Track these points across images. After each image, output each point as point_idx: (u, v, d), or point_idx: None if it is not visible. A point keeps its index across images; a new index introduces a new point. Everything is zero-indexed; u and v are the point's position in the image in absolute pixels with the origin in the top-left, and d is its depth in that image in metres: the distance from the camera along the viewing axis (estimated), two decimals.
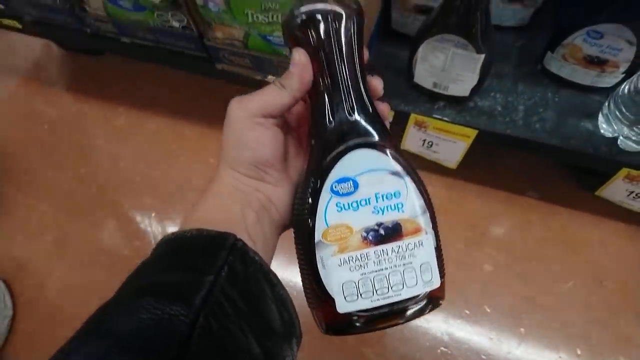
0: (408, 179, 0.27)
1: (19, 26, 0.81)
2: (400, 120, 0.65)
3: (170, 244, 0.26)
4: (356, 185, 0.27)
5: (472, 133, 0.63)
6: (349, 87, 0.28)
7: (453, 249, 0.71)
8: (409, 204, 0.27)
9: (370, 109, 0.28)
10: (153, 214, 0.79)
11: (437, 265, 0.28)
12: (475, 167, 0.71)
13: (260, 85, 0.68)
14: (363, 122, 0.28)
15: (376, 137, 0.27)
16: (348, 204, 0.27)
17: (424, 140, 0.69)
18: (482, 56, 0.54)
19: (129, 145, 0.87)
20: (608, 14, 0.52)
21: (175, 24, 0.66)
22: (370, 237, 0.27)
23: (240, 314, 0.23)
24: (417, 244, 0.27)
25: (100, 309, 0.22)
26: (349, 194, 0.27)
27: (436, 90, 0.62)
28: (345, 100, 0.28)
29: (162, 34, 0.69)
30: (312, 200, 0.27)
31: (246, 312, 0.23)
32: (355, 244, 0.27)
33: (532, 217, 0.73)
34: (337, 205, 0.27)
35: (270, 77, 0.67)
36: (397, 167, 0.27)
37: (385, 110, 0.30)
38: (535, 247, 0.71)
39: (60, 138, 0.90)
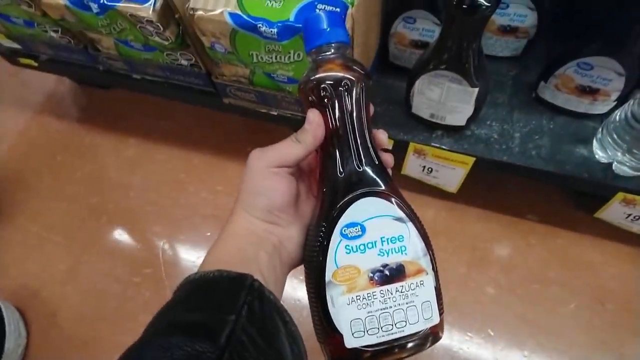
0: (410, 225, 0.30)
1: (35, 64, 0.85)
2: (400, 148, 0.68)
3: (194, 283, 0.29)
4: (364, 230, 0.30)
5: (470, 160, 0.66)
6: (358, 143, 0.31)
7: (455, 273, 0.73)
8: (412, 247, 0.30)
9: (376, 161, 0.32)
10: (162, 242, 0.81)
11: (436, 303, 0.30)
12: (475, 190, 0.73)
13: (264, 117, 0.71)
14: (370, 173, 0.31)
15: (382, 187, 0.30)
16: (356, 246, 0.29)
17: (424, 167, 0.72)
18: (476, 89, 0.56)
19: (139, 175, 0.90)
20: (596, 47, 0.54)
21: (184, 62, 0.69)
22: (377, 278, 0.29)
23: (259, 350, 0.26)
24: (419, 284, 0.29)
25: (136, 345, 0.25)
26: (357, 237, 0.30)
27: (433, 120, 0.64)
28: (354, 154, 0.31)
29: (171, 71, 0.72)
30: (323, 243, 0.29)
31: (263, 348, 0.26)
32: (362, 284, 0.29)
33: (532, 240, 0.74)
34: (346, 247, 0.29)
35: (273, 110, 0.70)
36: (401, 214, 0.30)
37: (389, 159, 0.34)
38: (536, 269, 0.72)
39: (72, 169, 0.93)
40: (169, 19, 0.60)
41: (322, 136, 0.32)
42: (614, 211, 0.66)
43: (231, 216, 0.33)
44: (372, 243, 0.30)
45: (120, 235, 0.84)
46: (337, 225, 0.30)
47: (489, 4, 0.45)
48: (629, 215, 0.66)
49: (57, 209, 0.88)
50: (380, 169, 0.32)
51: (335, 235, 0.29)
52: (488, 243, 0.75)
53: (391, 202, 0.30)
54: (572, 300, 0.69)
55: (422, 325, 0.29)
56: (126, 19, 0.61)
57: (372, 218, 0.30)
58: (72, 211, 0.88)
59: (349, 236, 0.29)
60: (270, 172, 0.31)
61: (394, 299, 0.29)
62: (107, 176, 0.91)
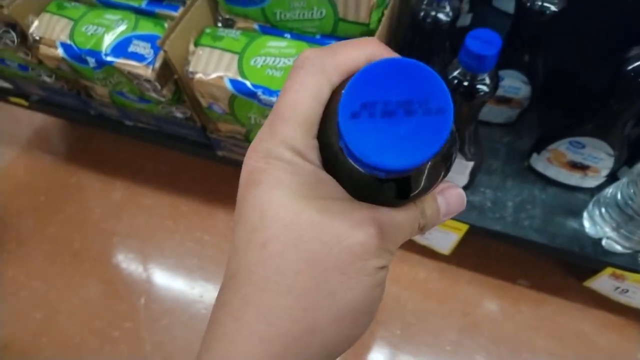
0: None
1: (26, 104, 0.84)
2: None
3: None
4: None
5: (464, 227, 0.65)
6: None
7: (446, 339, 0.71)
8: None
9: None
10: (143, 298, 0.79)
11: None
12: (467, 252, 0.73)
13: None
14: None
15: None
16: None
17: None
18: (472, 163, 0.57)
19: (124, 221, 0.88)
20: (588, 129, 0.55)
21: (179, 115, 0.68)
22: None
23: None
24: None
25: None
26: None
27: None
28: None
29: (165, 122, 0.72)
30: None
31: None
32: None
33: (522, 307, 0.74)
34: None
35: None
36: None
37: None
38: (525, 338, 0.71)
39: (55, 210, 0.90)
40: (167, 79, 0.59)
41: None
42: (603, 282, 0.66)
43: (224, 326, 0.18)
44: None
45: (102, 284, 0.81)
46: None
47: (487, 90, 0.46)
48: (617, 287, 0.66)
49: (37, 253, 0.85)
50: None
51: None
52: (479, 308, 0.74)
53: None
54: None
55: None
56: (123, 75, 0.60)
57: None
58: (53, 256, 0.85)
59: None
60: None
61: None
62: (91, 220, 0.89)
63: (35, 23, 0.63)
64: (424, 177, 0.20)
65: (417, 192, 0.20)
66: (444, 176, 0.21)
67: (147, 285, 0.80)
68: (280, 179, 0.18)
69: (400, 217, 0.20)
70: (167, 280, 0.81)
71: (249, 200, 0.19)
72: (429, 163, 0.19)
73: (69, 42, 0.61)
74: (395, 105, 0.17)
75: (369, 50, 0.20)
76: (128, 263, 0.83)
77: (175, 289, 0.80)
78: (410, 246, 0.76)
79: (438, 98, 0.17)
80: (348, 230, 0.18)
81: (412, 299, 0.76)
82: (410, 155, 0.17)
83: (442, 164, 0.21)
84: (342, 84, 0.20)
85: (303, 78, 0.19)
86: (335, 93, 0.19)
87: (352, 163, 0.17)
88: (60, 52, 0.61)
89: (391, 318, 0.75)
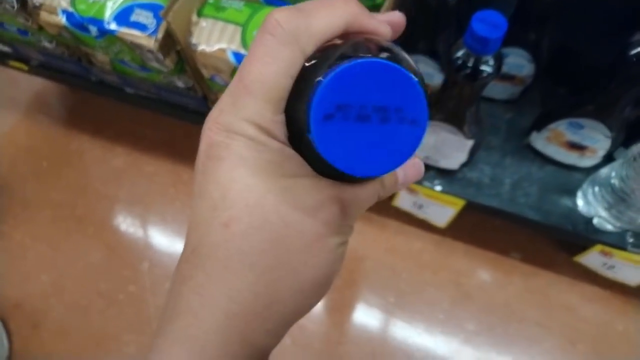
0: None
1: (25, 68, 0.83)
2: None
3: None
4: None
5: (460, 202, 0.67)
6: None
7: (439, 308, 0.75)
8: None
9: None
10: (146, 263, 0.81)
11: None
12: (463, 225, 0.75)
13: None
14: None
15: None
16: None
17: (415, 202, 0.73)
18: (472, 141, 0.57)
19: (126, 188, 0.89)
20: (588, 110, 0.55)
21: (181, 85, 0.68)
22: None
23: None
24: None
25: None
26: None
27: (427, 162, 0.66)
28: None
29: (166, 91, 0.72)
30: None
31: None
32: None
33: (514, 279, 0.76)
34: None
35: None
36: None
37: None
38: (515, 308, 0.74)
39: (58, 176, 0.91)
40: (169, 49, 0.59)
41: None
42: (592, 258, 0.69)
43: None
44: None
45: (106, 249, 0.83)
46: None
47: (490, 72, 0.46)
48: (605, 263, 0.68)
49: (42, 218, 0.87)
50: None
51: None
52: (472, 279, 0.77)
53: None
54: (547, 340, 0.72)
55: None
56: (125, 44, 0.60)
57: None
58: (57, 221, 0.86)
59: None
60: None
61: None
62: (93, 186, 0.90)
63: None
64: None
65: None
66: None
67: (150, 251, 0.83)
68: (243, 157, 0.18)
69: (363, 193, 0.20)
70: (169, 246, 0.83)
71: (210, 176, 0.18)
72: None
73: (70, 9, 0.60)
74: (372, 109, 0.16)
75: (346, 14, 0.19)
76: (131, 229, 0.85)
77: (178, 255, 0.82)
78: (408, 219, 0.78)
79: (414, 108, 0.16)
80: (312, 210, 0.18)
81: (407, 269, 0.79)
82: (378, 164, 0.17)
83: None
84: (314, 54, 0.18)
85: (274, 48, 0.17)
86: (307, 64, 0.18)
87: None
88: (62, 19, 0.60)
89: (386, 286, 0.77)
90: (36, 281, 0.81)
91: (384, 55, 0.18)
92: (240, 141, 0.18)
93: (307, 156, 0.19)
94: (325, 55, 0.18)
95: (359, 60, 0.16)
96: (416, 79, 0.16)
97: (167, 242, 0.84)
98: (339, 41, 0.19)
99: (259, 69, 0.17)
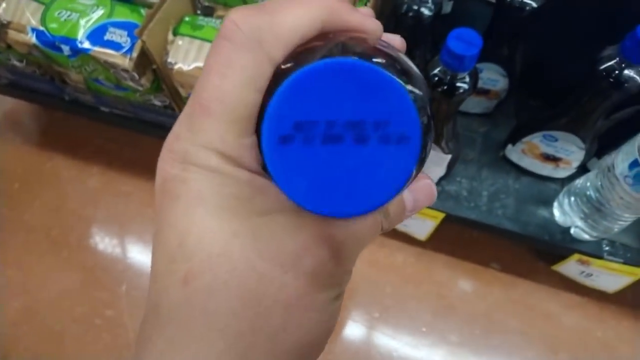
0: None
1: None
2: None
3: None
4: None
5: (440, 215, 0.67)
6: None
7: (422, 321, 0.75)
8: None
9: None
10: (124, 286, 0.79)
11: None
12: (443, 238, 0.75)
13: None
14: None
15: None
16: None
17: None
18: (449, 156, 0.58)
19: (102, 208, 0.87)
20: (562, 123, 0.57)
21: (158, 103, 0.67)
22: None
23: None
24: None
25: None
26: None
27: None
28: None
29: (143, 109, 0.70)
30: None
31: None
32: None
33: (494, 289, 0.77)
34: None
35: None
36: None
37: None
38: (497, 318, 0.75)
39: (31, 198, 0.88)
40: (145, 68, 0.58)
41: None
42: (570, 267, 0.70)
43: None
44: None
45: (82, 272, 0.80)
46: None
47: (467, 88, 0.47)
48: (583, 272, 0.70)
49: (14, 242, 0.84)
50: None
51: None
52: (453, 291, 0.77)
53: None
54: (529, 350, 0.73)
55: None
56: (99, 63, 0.59)
57: None
58: (30, 244, 0.83)
59: None
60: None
61: None
62: (68, 207, 0.87)
63: (3, 5, 0.60)
64: None
65: None
66: (415, 176, 0.17)
67: (128, 273, 0.80)
68: (202, 195, 0.14)
69: (360, 228, 0.16)
70: (148, 267, 0.81)
71: (166, 218, 0.15)
72: None
73: (40, 27, 0.58)
74: (343, 127, 0.12)
75: (321, 8, 0.15)
76: (108, 250, 0.82)
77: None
78: (389, 232, 0.77)
79: (400, 120, 0.12)
80: (292, 258, 0.14)
81: (390, 282, 0.79)
82: (360, 199, 0.13)
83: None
84: (286, 60, 0.14)
85: (232, 56, 0.14)
86: (279, 72, 0.14)
87: None
88: (31, 38, 0.59)
89: (370, 301, 0.77)
90: (6, 308, 0.78)
91: (375, 59, 0.14)
92: (198, 174, 0.14)
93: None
94: (299, 60, 0.14)
95: (320, 62, 0.12)
96: (398, 82, 0.12)
97: (145, 263, 0.82)
98: (318, 43, 0.15)
99: (216, 83, 0.14)
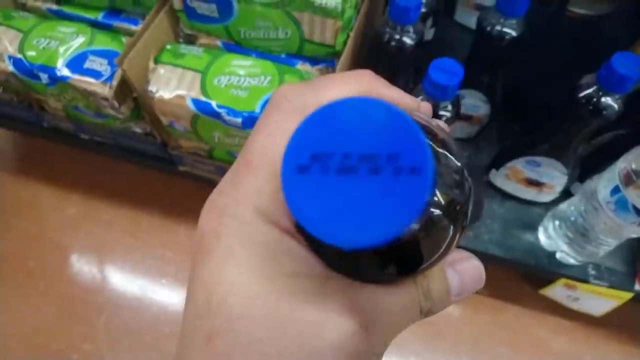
0: None
1: None
2: None
3: None
4: None
5: None
6: None
7: (411, 350, 0.73)
8: None
9: None
10: (103, 317, 0.76)
11: None
12: None
13: None
14: None
15: None
16: None
17: None
18: None
19: (82, 237, 0.84)
20: (544, 149, 0.57)
21: (139, 131, 0.66)
22: None
23: None
24: None
25: None
26: None
27: None
28: None
29: (123, 137, 0.69)
30: None
31: None
32: None
33: (483, 315, 0.76)
34: None
35: None
36: None
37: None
38: (486, 344, 0.74)
39: (8, 226, 0.85)
40: (125, 96, 0.57)
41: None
42: (557, 291, 0.70)
43: None
44: None
45: (59, 304, 0.77)
46: None
47: (449, 116, 0.47)
48: (570, 296, 0.69)
49: None
50: None
51: None
52: (441, 317, 0.76)
53: None
54: None
55: None
56: (78, 92, 0.58)
57: None
58: (5, 275, 0.80)
59: None
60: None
61: None
62: (46, 236, 0.85)
63: None
64: (421, 245, 0.16)
65: (413, 266, 0.16)
66: (458, 239, 0.16)
67: (107, 305, 0.77)
68: (233, 250, 0.14)
69: (393, 301, 0.15)
70: (127, 299, 0.79)
71: (197, 273, 0.15)
72: (423, 227, 0.15)
73: (18, 55, 0.57)
74: (358, 158, 0.13)
75: (360, 86, 0.16)
76: (86, 281, 0.80)
77: (137, 308, 0.77)
78: None
79: (412, 153, 0.13)
80: (317, 325, 0.14)
81: None
82: (374, 229, 0.13)
83: (448, 224, 0.16)
84: None
85: (278, 119, 0.15)
86: None
87: None
88: (8, 66, 0.58)
89: None
90: None
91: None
92: (232, 229, 0.14)
93: (314, 245, 0.15)
94: None
95: (338, 99, 0.13)
96: (408, 116, 0.13)
97: (125, 294, 0.79)
98: None
99: (261, 139, 0.15)
